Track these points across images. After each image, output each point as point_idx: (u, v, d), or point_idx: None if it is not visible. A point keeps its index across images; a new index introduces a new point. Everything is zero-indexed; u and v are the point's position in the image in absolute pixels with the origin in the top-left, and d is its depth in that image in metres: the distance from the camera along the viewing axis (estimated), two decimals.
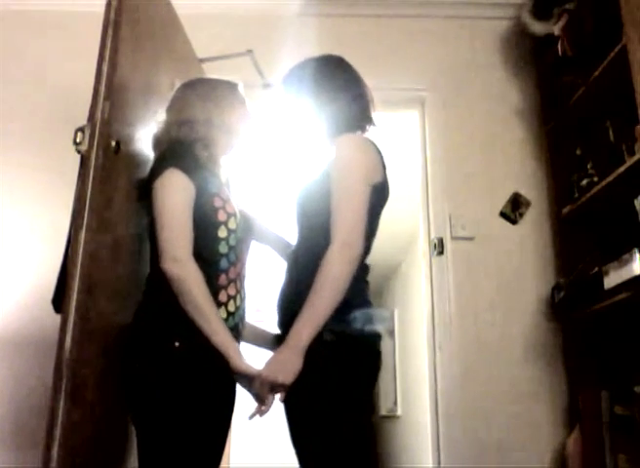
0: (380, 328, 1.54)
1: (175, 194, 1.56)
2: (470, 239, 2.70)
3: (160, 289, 1.53)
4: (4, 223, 2.68)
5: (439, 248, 2.65)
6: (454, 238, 2.69)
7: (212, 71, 2.59)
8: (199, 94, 1.77)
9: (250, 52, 2.60)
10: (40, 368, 2.42)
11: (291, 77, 1.74)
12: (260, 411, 1.47)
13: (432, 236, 2.69)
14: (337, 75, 1.69)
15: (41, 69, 2.88)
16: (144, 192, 1.65)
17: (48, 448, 1.30)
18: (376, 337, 1.53)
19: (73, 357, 1.39)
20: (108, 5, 1.64)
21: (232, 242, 1.65)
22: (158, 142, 1.73)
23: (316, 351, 1.39)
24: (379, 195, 1.57)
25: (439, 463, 2.44)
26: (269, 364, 1.41)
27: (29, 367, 2.45)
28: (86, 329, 1.45)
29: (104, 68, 1.58)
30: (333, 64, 1.73)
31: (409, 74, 2.91)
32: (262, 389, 1.41)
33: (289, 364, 1.38)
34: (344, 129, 1.64)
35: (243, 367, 1.46)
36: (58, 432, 1.31)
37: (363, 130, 1.70)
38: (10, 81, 2.84)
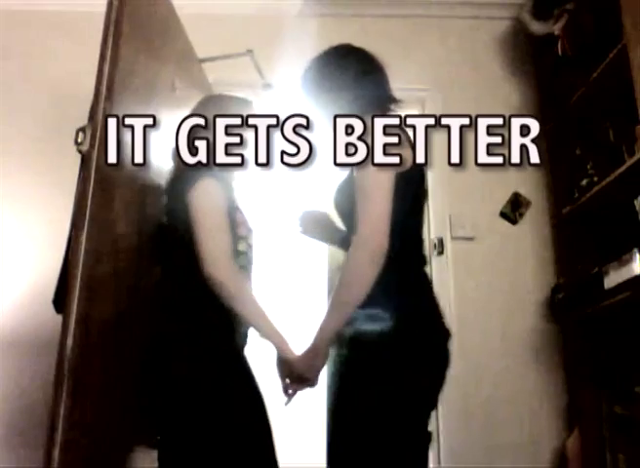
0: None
1: (213, 202, 1.61)
2: (470, 239, 2.70)
3: (197, 291, 1.57)
4: (3, 222, 2.68)
5: (439, 248, 2.66)
6: (454, 238, 2.69)
7: (212, 71, 2.60)
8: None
9: (250, 52, 2.60)
10: (33, 367, 2.42)
11: (304, 80, 1.70)
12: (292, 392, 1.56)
13: (432, 236, 2.69)
14: (346, 66, 1.64)
15: (41, 69, 2.88)
16: (170, 198, 1.68)
17: (49, 448, 1.30)
18: (442, 334, 1.51)
19: (75, 358, 1.39)
20: (110, 5, 1.64)
21: (250, 255, 1.74)
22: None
23: (380, 345, 1.41)
24: (410, 180, 1.52)
25: (439, 463, 2.44)
26: (301, 358, 1.49)
27: (22, 366, 2.46)
28: (87, 329, 1.45)
29: (106, 68, 1.58)
30: (340, 56, 1.68)
31: (409, 74, 2.90)
32: (293, 377, 1.52)
33: (314, 360, 1.46)
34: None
35: (289, 355, 1.54)
36: (59, 433, 1.31)
37: (386, 112, 1.67)
38: (10, 81, 2.84)
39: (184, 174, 1.67)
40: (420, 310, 1.49)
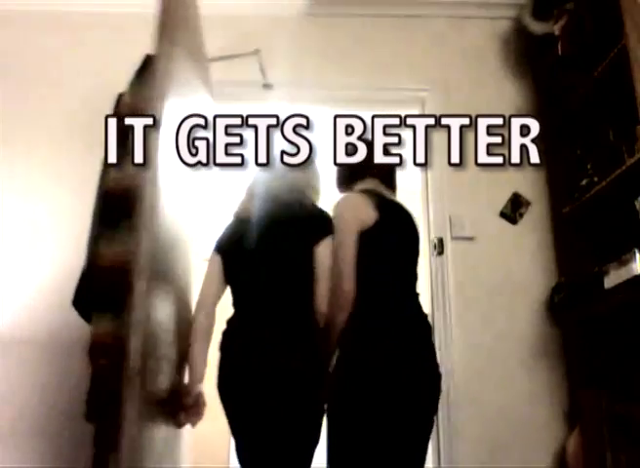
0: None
1: (330, 258, 1.87)
2: (470, 239, 2.70)
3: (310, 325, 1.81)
4: (5, 221, 2.67)
5: (439, 248, 2.66)
6: (454, 238, 2.69)
7: (213, 71, 2.60)
8: None
9: (257, 51, 2.59)
10: (45, 367, 2.42)
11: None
12: None
13: (432, 236, 2.69)
14: None
15: (43, 70, 2.88)
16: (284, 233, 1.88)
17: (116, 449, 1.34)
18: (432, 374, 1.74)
19: (140, 359, 1.40)
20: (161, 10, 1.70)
21: None
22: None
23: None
24: (375, 236, 1.78)
25: (439, 463, 2.44)
26: None
27: (34, 366, 2.45)
28: (149, 329, 1.46)
29: (162, 68, 1.65)
30: None
31: (409, 74, 2.91)
32: None
33: None
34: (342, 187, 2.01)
35: None
36: (124, 438, 1.35)
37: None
38: (14, 81, 2.84)
39: (313, 228, 1.88)
40: (406, 351, 1.68)
